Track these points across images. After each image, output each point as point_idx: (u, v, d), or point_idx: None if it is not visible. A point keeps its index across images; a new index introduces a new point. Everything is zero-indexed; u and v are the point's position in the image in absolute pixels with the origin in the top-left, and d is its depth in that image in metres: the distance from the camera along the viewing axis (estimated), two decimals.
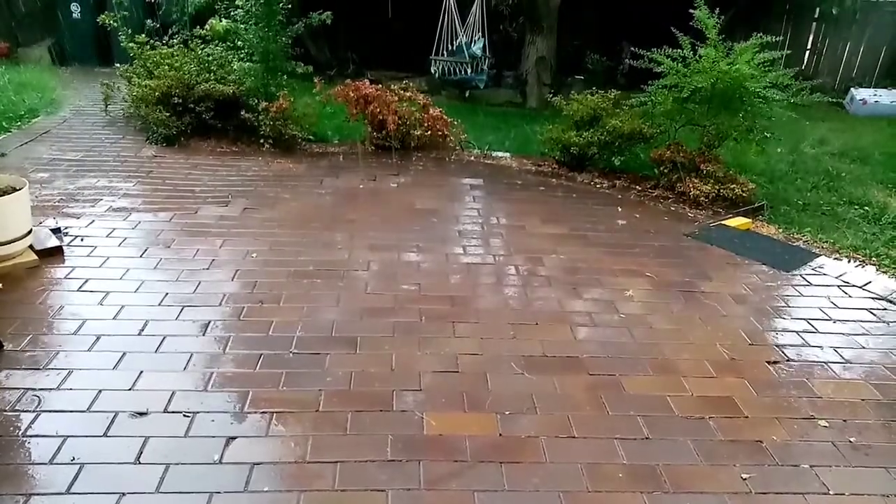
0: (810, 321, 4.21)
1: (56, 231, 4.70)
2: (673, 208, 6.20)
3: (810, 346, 3.92)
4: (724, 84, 5.94)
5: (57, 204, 5.39)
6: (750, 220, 5.88)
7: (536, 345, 3.73)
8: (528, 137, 8.30)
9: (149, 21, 8.29)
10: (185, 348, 3.50)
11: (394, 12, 11.49)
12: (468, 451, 2.87)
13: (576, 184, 6.86)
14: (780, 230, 5.78)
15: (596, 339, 3.85)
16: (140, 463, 2.70)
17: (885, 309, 4.43)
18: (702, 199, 6.13)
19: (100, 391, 3.11)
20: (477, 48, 10.43)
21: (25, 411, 2.95)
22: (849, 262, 5.16)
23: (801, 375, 3.61)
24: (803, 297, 4.56)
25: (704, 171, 6.28)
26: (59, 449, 2.74)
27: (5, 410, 2.95)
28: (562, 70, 11.43)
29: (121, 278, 4.23)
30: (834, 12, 12.14)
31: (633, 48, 6.52)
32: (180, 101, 7.25)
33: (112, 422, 2.91)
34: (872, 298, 4.58)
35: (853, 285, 4.75)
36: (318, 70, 8.04)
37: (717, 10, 6.19)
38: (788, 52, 6.76)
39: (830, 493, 2.78)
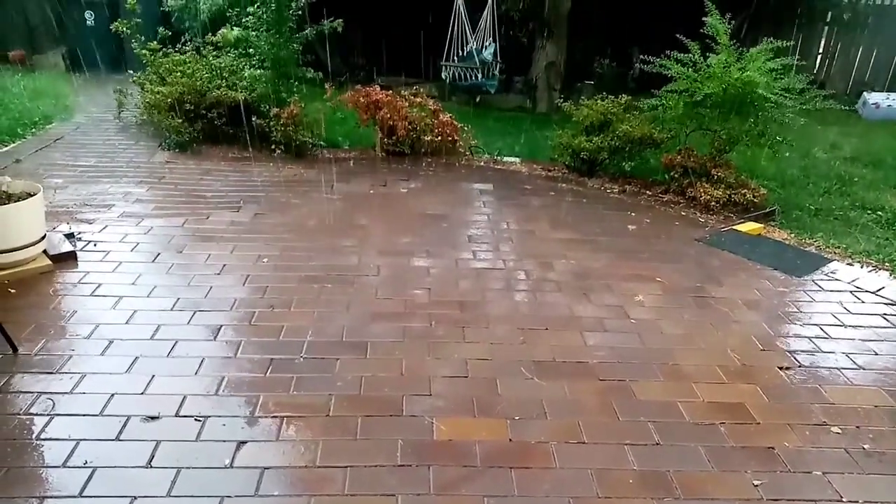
0: (823, 327, 4.18)
1: (70, 236, 4.76)
2: (684, 213, 6.18)
3: (823, 352, 3.89)
4: (735, 89, 5.92)
5: (70, 209, 5.44)
6: (761, 225, 5.85)
7: (546, 350, 3.72)
8: (538, 143, 8.30)
9: (161, 28, 8.36)
10: (197, 353, 3.52)
11: (404, 18, 11.54)
12: (478, 457, 2.86)
13: (586, 189, 6.86)
14: (792, 235, 5.74)
15: (606, 344, 3.84)
16: (152, 466, 2.71)
17: None
18: (713, 204, 6.11)
19: (112, 395, 3.13)
20: (487, 53, 10.45)
21: (39, 415, 2.97)
22: (861, 267, 5.12)
23: (814, 381, 3.58)
24: (815, 303, 4.53)
25: (715, 176, 6.26)
26: (71, 452, 2.75)
27: (19, 414, 2.98)
28: (572, 75, 11.44)
29: (133, 283, 4.26)
30: (845, 17, 12.08)
31: (643, 54, 6.51)
32: (192, 107, 7.32)
33: (124, 426, 2.93)
34: (886, 304, 4.53)
35: (866, 291, 4.71)
36: (328, 76, 8.08)
37: (728, 15, 6.18)
38: (801, 60, 6.72)
39: (843, 499, 2.75)
